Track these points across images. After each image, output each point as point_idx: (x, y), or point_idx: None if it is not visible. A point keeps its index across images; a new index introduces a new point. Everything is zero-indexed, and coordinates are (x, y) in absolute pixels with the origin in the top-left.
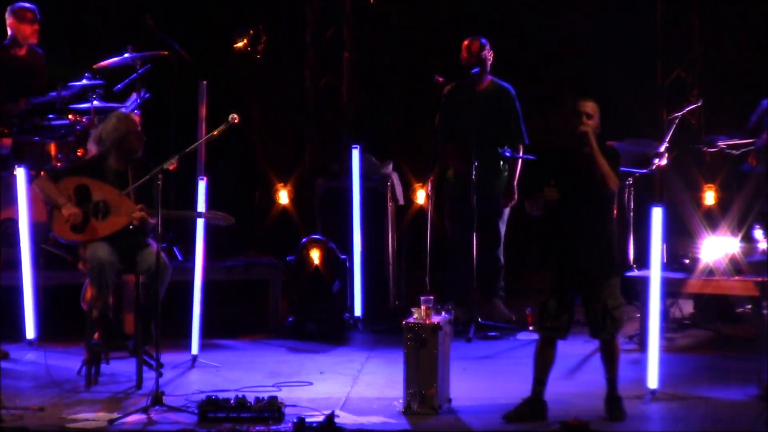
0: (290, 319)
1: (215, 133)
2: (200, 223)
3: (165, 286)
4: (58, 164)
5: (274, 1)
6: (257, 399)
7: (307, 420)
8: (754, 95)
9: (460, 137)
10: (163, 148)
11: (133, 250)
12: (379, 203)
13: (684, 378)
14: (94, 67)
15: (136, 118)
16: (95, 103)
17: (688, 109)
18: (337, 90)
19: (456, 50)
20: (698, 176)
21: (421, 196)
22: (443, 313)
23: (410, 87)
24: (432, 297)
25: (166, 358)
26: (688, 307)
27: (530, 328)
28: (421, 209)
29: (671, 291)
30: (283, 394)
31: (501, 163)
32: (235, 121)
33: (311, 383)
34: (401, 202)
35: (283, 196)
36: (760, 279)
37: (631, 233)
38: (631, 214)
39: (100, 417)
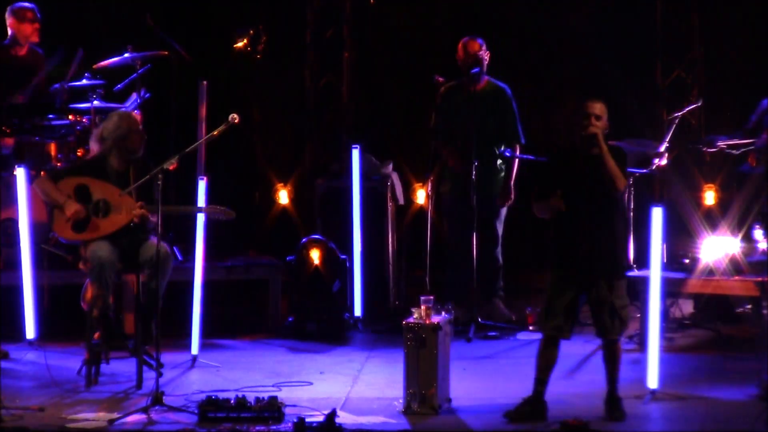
0: (290, 319)
1: (215, 133)
2: (200, 222)
3: (166, 280)
4: (58, 164)
5: (274, 1)
6: (257, 399)
7: (307, 420)
8: (754, 95)
9: (460, 137)
10: (163, 148)
11: (134, 248)
12: (379, 203)
13: (684, 378)
14: (94, 67)
15: (138, 117)
16: (95, 103)
17: (688, 109)
18: (337, 90)
19: (456, 50)
20: (698, 176)
21: (421, 196)
22: (443, 313)
23: (410, 87)
24: (432, 297)
25: (166, 358)
26: (688, 307)
27: (530, 327)
28: (421, 209)
29: (671, 291)
30: (283, 394)
31: (498, 162)
32: (235, 121)
33: (311, 383)
34: (401, 202)
35: (283, 196)
36: (760, 279)
37: (631, 233)
38: (631, 214)
39: (100, 417)
